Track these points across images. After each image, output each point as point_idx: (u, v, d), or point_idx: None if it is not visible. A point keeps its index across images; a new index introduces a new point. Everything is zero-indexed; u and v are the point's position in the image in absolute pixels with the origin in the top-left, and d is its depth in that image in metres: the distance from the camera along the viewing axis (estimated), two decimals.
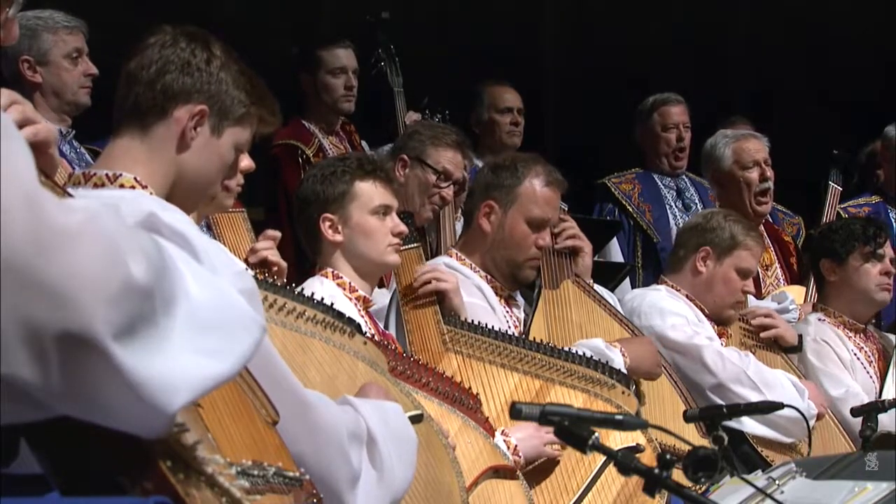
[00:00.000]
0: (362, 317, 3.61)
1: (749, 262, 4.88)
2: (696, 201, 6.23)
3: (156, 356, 1.53)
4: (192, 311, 1.60)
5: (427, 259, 4.24)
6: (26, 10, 4.65)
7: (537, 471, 3.81)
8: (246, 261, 3.50)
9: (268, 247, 3.55)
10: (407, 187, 4.73)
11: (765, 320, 5.03)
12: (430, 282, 3.95)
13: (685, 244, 4.96)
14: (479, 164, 6.10)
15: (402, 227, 3.80)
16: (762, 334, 5.01)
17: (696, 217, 5.22)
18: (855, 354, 5.20)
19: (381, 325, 3.90)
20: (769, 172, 5.67)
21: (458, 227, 5.34)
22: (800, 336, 5.14)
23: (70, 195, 1.75)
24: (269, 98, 2.54)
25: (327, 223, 3.75)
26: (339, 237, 3.75)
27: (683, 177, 6.37)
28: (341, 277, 3.73)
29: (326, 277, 3.73)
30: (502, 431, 3.69)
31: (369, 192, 3.75)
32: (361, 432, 2.39)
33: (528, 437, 3.71)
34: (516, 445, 3.67)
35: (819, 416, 4.79)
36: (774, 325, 5.04)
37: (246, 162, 2.83)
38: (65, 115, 4.72)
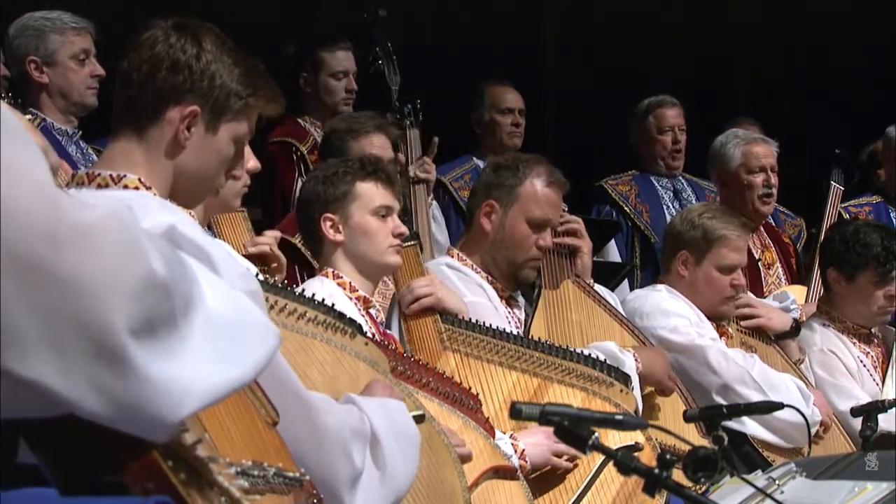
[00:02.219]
0: (363, 317, 3.62)
1: (730, 258, 4.78)
2: (693, 202, 6.23)
3: (170, 358, 1.52)
4: (209, 319, 1.59)
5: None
6: (34, 11, 4.67)
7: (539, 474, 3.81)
8: (245, 254, 3.51)
9: (269, 241, 3.56)
10: None
11: (745, 310, 5.00)
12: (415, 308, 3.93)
13: (666, 249, 4.94)
14: (480, 164, 6.11)
15: (403, 228, 3.81)
16: (742, 323, 4.98)
17: (673, 219, 5.13)
18: (861, 361, 5.18)
19: (383, 326, 3.90)
20: (774, 179, 5.63)
21: (435, 212, 5.34)
22: (795, 321, 5.10)
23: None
24: (267, 85, 2.51)
25: (328, 223, 3.76)
26: (339, 237, 3.75)
27: (680, 178, 6.39)
28: (342, 277, 3.74)
29: (327, 277, 3.74)
30: (511, 434, 3.68)
31: (370, 192, 3.75)
32: (365, 431, 2.38)
33: (538, 444, 3.70)
34: (524, 450, 3.67)
35: (825, 427, 4.78)
36: (756, 315, 5.00)
37: (252, 163, 2.83)
38: (71, 116, 4.73)
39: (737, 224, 4.85)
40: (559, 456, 3.77)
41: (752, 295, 5.17)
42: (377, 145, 4.73)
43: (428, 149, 5.31)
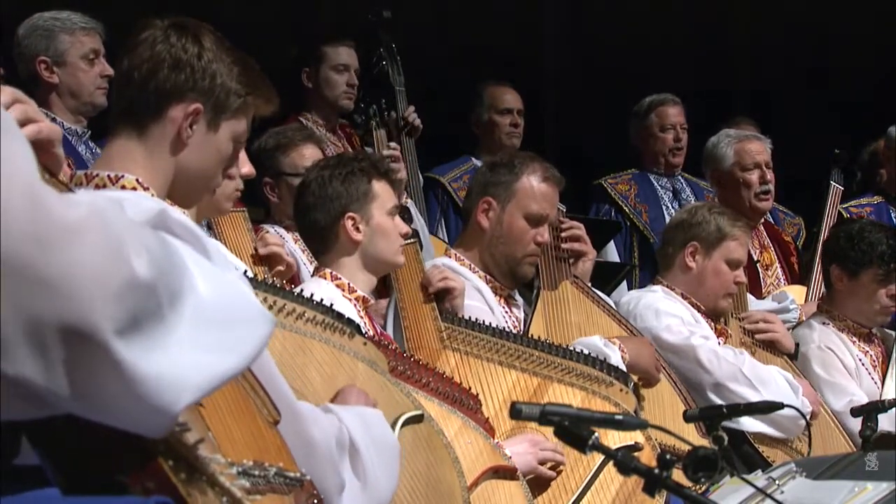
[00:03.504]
0: (362, 317, 3.62)
1: (738, 253, 4.87)
2: (692, 202, 6.21)
3: (160, 352, 1.51)
4: (199, 307, 1.59)
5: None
6: (43, 12, 4.68)
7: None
8: (255, 253, 3.51)
9: (280, 242, 3.56)
10: (286, 205, 4.48)
11: (761, 325, 5.02)
12: (439, 284, 3.95)
13: (672, 241, 4.95)
14: (479, 164, 6.11)
15: (408, 229, 3.83)
16: (757, 336, 5.00)
17: (680, 213, 5.19)
18: (860, 360, 5.18)
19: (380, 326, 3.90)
20: (769, 175, 5.66)
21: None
22: (796, 345, 5.13)
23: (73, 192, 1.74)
24: (264, 84, 2.52)
25: (350, 222, 3.75)
26: (359, 236, 3.75)
27: (679, 177, 6.38)
28: (340, 278, 3.73)
29: (324, 279, 3.73)
30: (497, 443, 3.68)
31: (385, 192, 3.77)
32: (345, 442, 2.38)
33: (524, 453, 3.70)
34: (511, 458, 3.67)
35: (813, 415, 4.79)
36: (772, 330, 5.03)
37: (247, 168, 2.84)
38: (81, 116, 4.74)
39: (743, 222, 4.95)
40: (543, 463, 3.77)
41: (761, 308, 5.21)
42: (308, 156, 4.62)
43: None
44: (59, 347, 1.44)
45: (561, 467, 3.80)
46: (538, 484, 3.78)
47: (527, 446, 3.71)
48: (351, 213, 3.75)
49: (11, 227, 1.42)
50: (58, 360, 1.45)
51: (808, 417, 4.58)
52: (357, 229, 3.74)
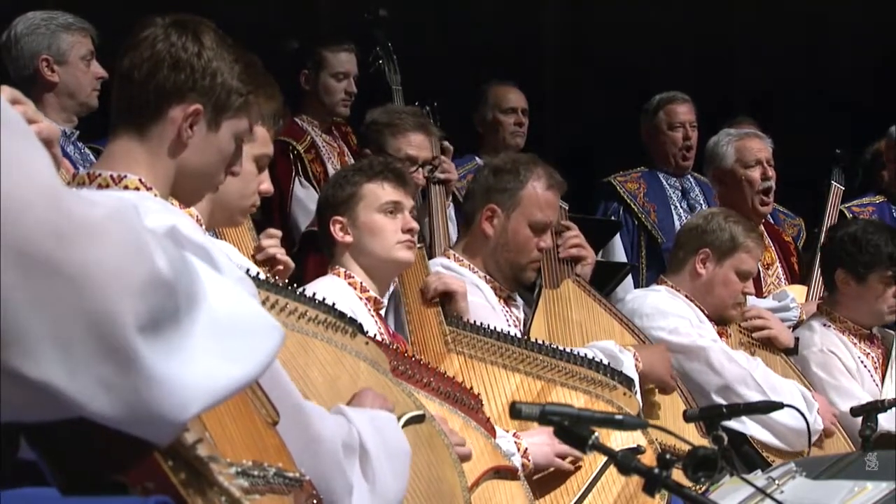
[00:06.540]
0: (373, 317, 3.64)
1: (749, 264, 4.86)
2: (702, 201, 6.18)
3: (176, 357, 1.51)
4: (212, 317, 1.59)
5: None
6: (37, 11, 4.67)
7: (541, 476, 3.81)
8: (253, 258, 3.52)
9: (274, 244, 3.57)
10: None
11: (756, 322, 5.01)
12: (439, 287, 3.96)
13: (685, 245, 4.94)
14: (481, 163, 6.10)
15: (414, 224, 3.83)
16: (755, 335, 4.99)
17: (695, 218, 5.17)
18: (861, 361, 5.17)
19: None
20: (771, 172, 5.66)
21: (451, 213, 5.33)
22: (796, 339, 5.12)
23: None
24: (266, 82, 2.53)
25: (337, 225, 3.81)
26: (348, 238, 3.79)
27: (689, 177, 6.34)
28: (352, 277, 3.77)
29: (339, 276, 3.77)
30: (514, 433, 3.69)
31: (376, 191, 3.79)
32: (354, 444, 2.38)
33: (541, 444, 3.71)
34: (527, 448, 3.68)
35: (829, 434, 4.77)
36: (768, 327, 5.02)
37: (265, 185, 2.85)
38: (73, 116, 4.74)
39: (756, 237, 4.94)
40: (562, 457, 3.77)
41: (762, 306, 5.20)
42: (415, 144, 4.72)
43: (443, 153, 5.30)
44: (84, 345, 1.44)
45: (579, 462, 3.81)
46: (554, 479, 3.78)
47: (545, 438, 3.72)
48: (336, 217, 3.81)
49: (34, 224, 1.41)
50: (81, 358, 1.44)
51: (813, 435, 4.53)
52: (346, 232, 3.79)
